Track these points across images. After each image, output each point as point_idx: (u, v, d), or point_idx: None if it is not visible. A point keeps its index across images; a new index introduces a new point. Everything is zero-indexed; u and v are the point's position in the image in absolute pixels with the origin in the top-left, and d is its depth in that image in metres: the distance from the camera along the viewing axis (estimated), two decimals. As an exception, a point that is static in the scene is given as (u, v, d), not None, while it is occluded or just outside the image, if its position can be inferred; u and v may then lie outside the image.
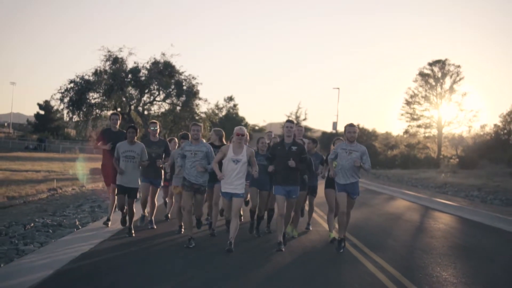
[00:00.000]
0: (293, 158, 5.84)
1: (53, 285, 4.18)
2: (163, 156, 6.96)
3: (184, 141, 6.61)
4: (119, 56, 21.00)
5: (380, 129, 61.84)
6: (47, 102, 58.57)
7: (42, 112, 60.70)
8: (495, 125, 35.03)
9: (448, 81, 41.85)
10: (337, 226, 6.97)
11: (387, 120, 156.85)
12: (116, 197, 6.73)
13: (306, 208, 7.62)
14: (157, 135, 7.14)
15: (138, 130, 6.80)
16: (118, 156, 6.37)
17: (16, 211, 8.93)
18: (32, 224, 7.09)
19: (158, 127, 7.10)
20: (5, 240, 6.00)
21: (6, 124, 75.60)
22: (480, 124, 41.60)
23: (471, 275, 5.22)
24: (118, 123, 7.22)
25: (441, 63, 41.42)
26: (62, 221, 7.56)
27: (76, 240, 6.08)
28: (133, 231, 6.44)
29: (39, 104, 60.97)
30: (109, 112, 21.36)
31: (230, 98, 61.62)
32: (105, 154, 7.08)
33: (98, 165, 7.33)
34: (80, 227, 7.13)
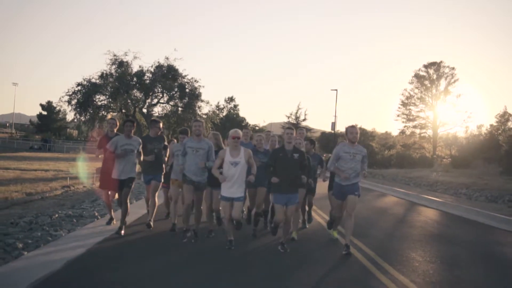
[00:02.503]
0: (295, 166, 5.89)
1: (89, 260, 5.16)
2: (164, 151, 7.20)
3: (183, 136, 6.78)
4: (125, 60, 21.99)
5: (380, 129, 62.82)
6: (49, 103, 59.54)
7: (44, 113, 61.67)
8: (491, 125, 35.96)
9: (443, 83, 42.93)
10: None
11: (387, 120, 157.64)
12: (117, 193, 6.95)
13: (307, 208, 8.00)
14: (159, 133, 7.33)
15: (135, 124, 7.12)
16: (116, 150, 6.46)
17: (36, 205, 9.84)
18: (57, 215, 8.02)
19: (161, 125, 7.42)
20: (37, 227, 6.94)
21: (8, 124, 76.41)
22: (477, 124, 42.70)
23: (436, 256, 6.17)
24: (115, 129, 7.25)
25: (436, 65, 42.44)
26: (82, 212, 8.51)
27: (98, 228, 7.07)
28: (122, 231, 6.53)
29: (41, 105, 61.96)
30: (115, 114, 22.34)
31: (231, 99, 62.37)
32: (105, 160, 7.06)
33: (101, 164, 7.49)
34: (99, 217, 8.09)
